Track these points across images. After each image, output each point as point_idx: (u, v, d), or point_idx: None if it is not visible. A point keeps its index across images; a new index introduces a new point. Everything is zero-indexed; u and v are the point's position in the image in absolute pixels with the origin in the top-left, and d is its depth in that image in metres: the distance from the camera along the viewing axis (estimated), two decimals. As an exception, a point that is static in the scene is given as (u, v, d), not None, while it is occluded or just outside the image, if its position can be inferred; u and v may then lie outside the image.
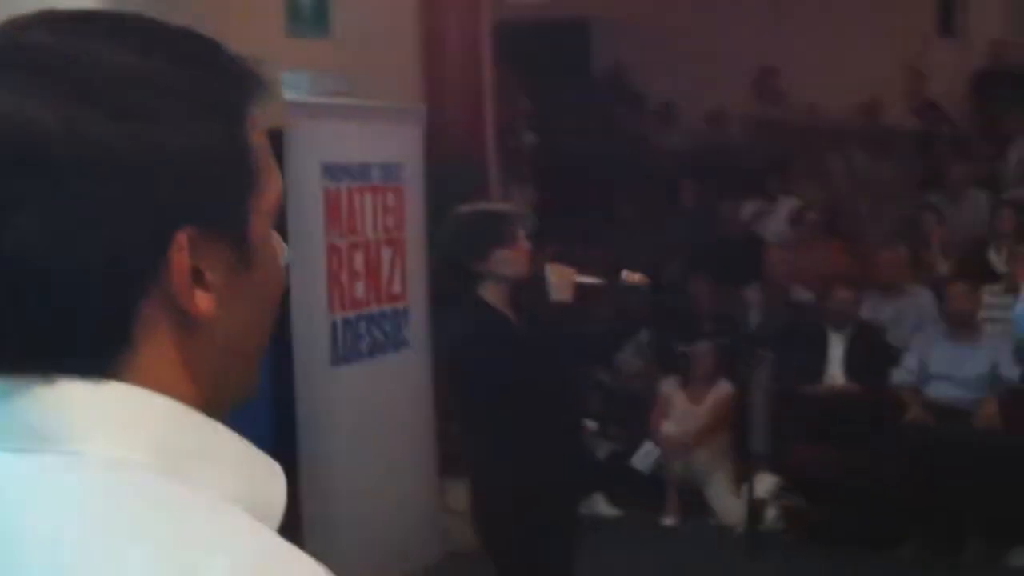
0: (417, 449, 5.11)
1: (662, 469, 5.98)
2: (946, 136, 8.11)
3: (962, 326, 5.59)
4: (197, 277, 0.71)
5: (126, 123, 0.70)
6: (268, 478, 0.74)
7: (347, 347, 4.78)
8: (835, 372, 5.80)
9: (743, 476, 5.67)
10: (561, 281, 3.39)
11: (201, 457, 0.70)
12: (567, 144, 8.59)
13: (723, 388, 6.01)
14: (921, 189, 7.46)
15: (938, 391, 5.53)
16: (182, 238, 0.70)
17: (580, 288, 3.43)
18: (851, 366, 5.75)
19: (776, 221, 7.29)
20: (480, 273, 3.31)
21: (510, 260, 3.31)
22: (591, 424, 5.85)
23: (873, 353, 5.75)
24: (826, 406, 5.63)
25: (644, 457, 5.96)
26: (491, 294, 3.33)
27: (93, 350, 0.70)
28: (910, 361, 5.67)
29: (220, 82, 0.74)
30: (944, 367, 5.54)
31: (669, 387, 6.16)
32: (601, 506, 5.99)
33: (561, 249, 5.87)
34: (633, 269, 3.58)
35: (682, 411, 6.05)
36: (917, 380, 5.62)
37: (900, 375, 5.68)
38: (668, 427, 6.01)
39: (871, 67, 8.62)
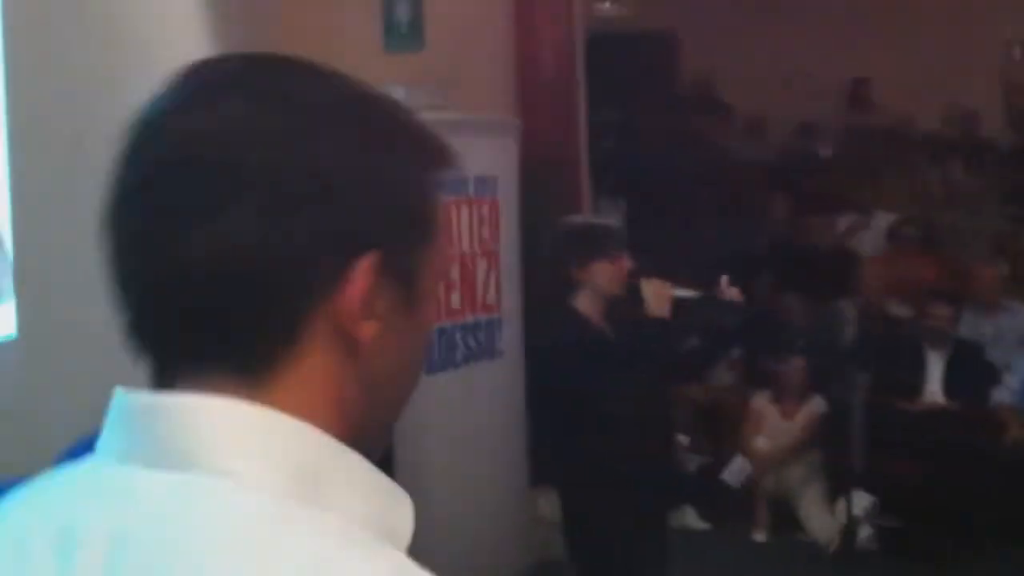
0: (509, 458, 5.14)
1: (753, 484, 5.93)
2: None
3: (1066, 345, 5.46)
4: (366, 305, 0.74)
5: (340, 146, 0.74)
6: (396, 505, 0.75)
7: (442, 356, 4.84)
8: (934, 389, 5.70)
9: (836, 493, 5.60)
10: (657, 296, 3.41)
11: (335, 483, 0.72)
12: (656, 156, 8.57)
13: (816, 404, 5.95)
14: (1019, 204, 7.29)
15: (1040, 411, 5.41)
16: (367, 262, 0.73)
17: (676, 302, 3.44)
18: (950, 384, 5.65)
19: (872, 235, 7.19)
20: (578, 283, 3.37)
21: (608, 273, 3.36)
22: (682, 438, 5.82)
23: (973, 371, 5.64)
24: (924, 424, 5.53)
25: (735, 472, 5.92)
26: (586, 305, 3.38)
27: (259, 353, 0.73)
28: (1011, 380, 5.55)
29: (421, 138, 0.80)
30: (1046, 387, 5.41)
31: (761, 402, 6.12)
32: (691, 519, 5.97)
33: (650, 262, 5.88)
34: (727, 282, 3.58)
35: (774, 426, 6.00)
36: (1018, 399, 5.49)
37: (1001, 394, 5.56)
38: (760, 442, 5.96)
39: (966, 79, 8.46)
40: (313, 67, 0.79)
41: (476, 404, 4.92)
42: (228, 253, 0.71)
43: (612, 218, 4.28)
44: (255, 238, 0.71)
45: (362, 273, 0.73)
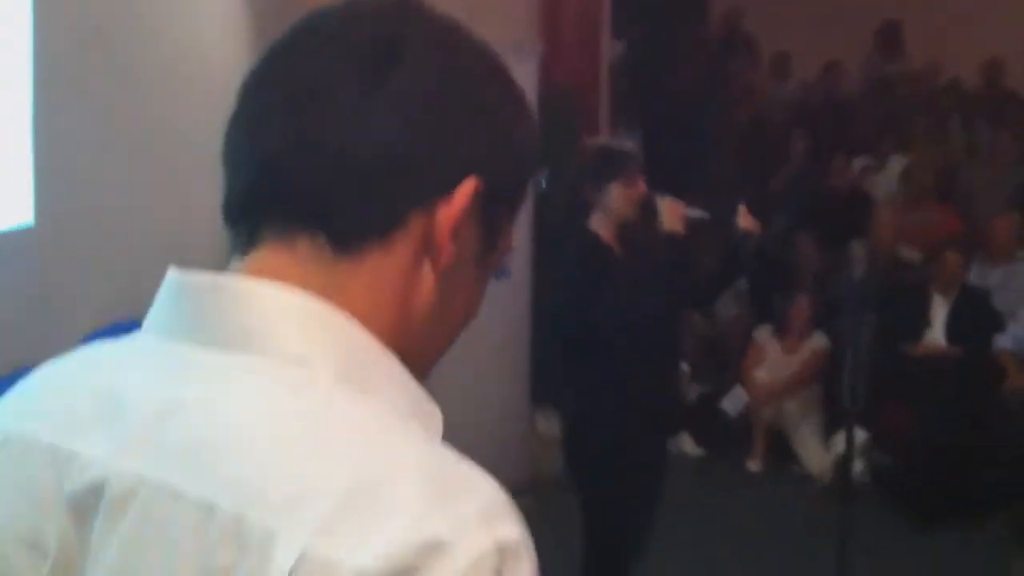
0: (511, 376, 5.23)
1: (750, 415, 6.02)
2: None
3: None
4: (457, 227, 0.78)
5: (486, 79, 0.82)
6: (430, 410, 0.79)
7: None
8: (936, 334, 5.74)
9: (831, 428, 5.68)
10: (672, 212, 3.47)
11: (379, 380, 0.76)
12: (679, 89, 8.53)
13: (819, 341, 6.00)
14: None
15: (1041, 360, 5.45)
16: (473, 183, 0.78)
17: (689, 223, 3.49)
18: (953, 329, 5.69)
19: (887, 179, 7.17)
20: (593, 204, 3.43)
21: (623, 196, 3.41)
22: (684, 366, 5.89)
23: (977, 317, 5.67)
24: (924, 367, 5.58)
25: (733, 401, 6.00)
26: (599, 226, 3.42)
27: (353, 237, 0.77)
28: (1015, 328, 5.59)
29: (535, 126, 0.87)
30: (1049, 336, 5.45)
31: (764, 335, 6.18)
32: (687, 446, 6.07)
33: (666, 191, 5.87)
34: (745, 210, 3.64)
35: (775, 360, 6.06)
36: (1020, 347, 5.53)
37: (1003, 342, 5.60)
38: (760, 374, 6.03)
39: (995, 29, 8.35)
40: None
41: (481, 322, 4.98)
42: (362, 133, 0.76)
43: (629, 142, 4.30)
44: (396, 123, 0.76)
45: (464, 194, 0.78)
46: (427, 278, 0.79)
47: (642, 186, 3.43)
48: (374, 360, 0.76)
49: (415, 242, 0.78)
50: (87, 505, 0.73)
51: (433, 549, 0.64)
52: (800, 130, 7.77)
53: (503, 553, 0.66)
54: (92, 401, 0.76)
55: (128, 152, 3.46)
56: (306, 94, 0.77)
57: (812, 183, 7.23)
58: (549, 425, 5.16)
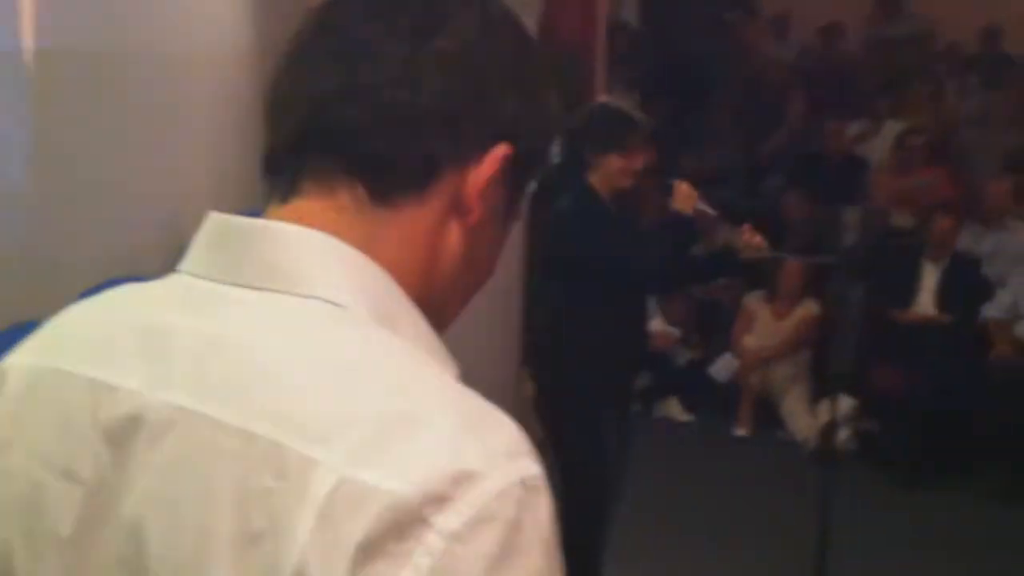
0: (501, 336, 5.23)
1: (739, 381, 6.05)
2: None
3: (1062, 266, 5.49)
4: (487, 187, 0.82)
5: (528, 53, 0.87)
6: (449, 361, 0.82)
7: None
8: (926, 301, 5.75)
9: (819, 395, 5.71)
10: (685, 195, 3.48)
11: (407, 328, 0.79)
12: (676, 47, 8.46)
13: (809, 307, 6.02)
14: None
15: (1029, 330, 5.47)
16: (503, 148, 0.82)
17: (697, 211, 3.49)
18: (943, 296, 5.70)
19: (882, 143, 7.15)
20: (592, 164, 3.45)
21: (620, 167, 3.42)
22: (673, 331, 5.92)
23: (967, 285, 5.68)
24: (913, 334, 5.60)
25: (723, 368, 6.03)
26: (599, 183, 3.45)
27: (390, 186, 0.80)
28: (1004, 297, 5.61)
29: (559, 88, 0.90)
30: (1038, 306, 5.46)
31: (754, 301, 6.19)
32: (675, 410, 6.11)
33: (662, 152, 5.85)
34: (751, 228, 3.57)
35: (765, 325, 6.08)
36: (1010, 316, 5.55)
37: (992, 310, 5.62)
38: (749, 340, 6.05)
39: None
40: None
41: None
42: (408, 87, 0.80)
43: (642, 114, 4.22)
44: (439, 81, 0.80)
45: (496, 158, 0.82)
46: (455, 236, 0.83)
47: (640, 160, 3.43)
48: (403, 310, 0.80)
49: (447, 200, 0.81)
50: (125, 434, 0.75)
51: (465, 479, 0.67)
52: (797, 91, 7.72)
53: (526, 486, 0.69)
54: (130, 337, 0.78)
55: (121, 119, 3.43)
56: (357, 46, 0.81)
57: (807, 146, 7.20)
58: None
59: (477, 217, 0.82)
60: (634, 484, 5.06)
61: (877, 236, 6.37)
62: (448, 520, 0.66)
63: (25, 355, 0.84)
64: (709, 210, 3.54)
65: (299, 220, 0.79)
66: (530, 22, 5.44)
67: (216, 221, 0.81)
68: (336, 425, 0.69)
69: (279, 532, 0.67)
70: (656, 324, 5.90)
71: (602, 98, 3.74)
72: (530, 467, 0.70)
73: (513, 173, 0.84)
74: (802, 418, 5.84)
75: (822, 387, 5.66)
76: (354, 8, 0.83)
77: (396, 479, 0.66)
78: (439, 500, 0.66)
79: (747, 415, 6.00)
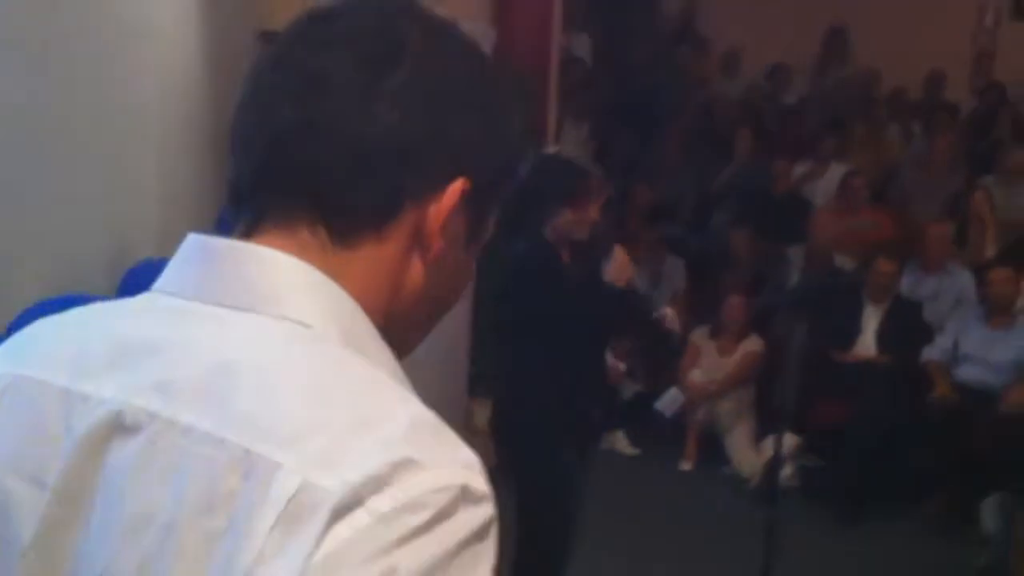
0: (449, 368, 5.21)
1: (685, 415, 6.08)
2: (1007, 119, 8.01)
3: (1000, 311, 5.61)
4: (447, 221, 0.83)
5: (485, 86, 0.86)
6: (408, 383, 0.83)
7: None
8: (868, 342, 5.84)
9: (763, 431, 5.76)
10: (620, 268, 3.50)
11: (373, 348, 0.81)
12: (627, 82, 8.55)
13: (754, 343, 6.08)
14: (976, 169, 7.40)
15: (968, 373, 5.57)
16: (462, 181, 0.82)
17: (631, 287, 3.56)
18: (884, 338, 5.79)
19: (826, 185, 7.27)
20: (543, 219, 3.40)
21: (574, 222, 3.39)
22: (620, 365, 5.93)
23: (908, 327, 5.78)
24: (855, 373, 5.68)
25: (669, 402, 6.05)
26: (552, 235, 3.42)
27: (352, 224, 0.81)
28: (944, 340, 5.71)
29: (528, 124, 0.93)
30: (976, 349, 5.57)
31: (700, 336, 6.24)
32: (621, 443, 6.12)
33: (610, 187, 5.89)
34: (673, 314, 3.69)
35: (711, 361, 6.13)
36: (949, 359, 5.65)
37: (932, 352, 5.72)
38: (695, 375, 6.09)
39: (939, 40, 8.50)
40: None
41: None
42: (365, 124, 0.79)
43: (591, 165, 4.25)
44: (397, 117, 0.80)
45: (455, 189, 0.82)
46: (416, 268, 0.83)
47: (595, 211, 3.40)
48: (369, 337, 0.81)
49: (407, 235, 0.82)
50: (98, 441, 0.76)
51: (407, 466, 0.68)
52: (744, 130, 7.84)
53: (467, 492, 0.69)
54: (103, 348, 0.79)
55: (71, 125, 3.38)
56: (314, 83, 0.80)
57: (753, 184, 7.30)
58: (483, 415, 5.16)
59: (437, 251, 0.83)
60: (580, 517, 5.06)
61: (820, 276, 6.46)
62: (381, 501, 0.67)
63: (0, 362, 0.84)
64: (651, 302, 3.60)
65: (279, 245, 0.80)
66: (484, 49, 5.46)
67: (194, 241, 0.82)
68: (303, 433, 0.70)
69: (239, 530, 0.69)
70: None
71: (549, 149, 3.72)
72: (480, 484, 0.71)
73: (474, 202, 0.84)
74: (746, 453, 5.89)
75: (766, 423, 5.71)
76: (310, 39, 0.83)
77: (347, 476, 0.68)
78: (379, 483, 0.68)
79: (692, 450, 6.03)
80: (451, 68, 0.83)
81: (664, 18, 9.57)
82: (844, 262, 6.58)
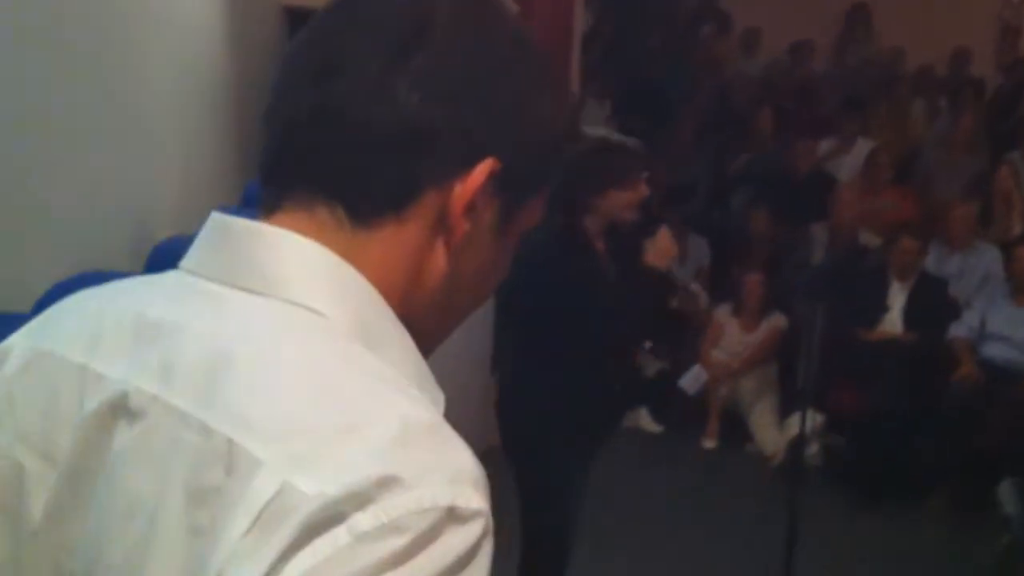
0: (474, 348, 5.22)
1: (708, 393, 6.07)
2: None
3: (1026, 289, 5.56)
4: (472, 203, 0.80)
5: (518, 65, 0.83)
6: (433, 385, 0.81)
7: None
8: (894, 319, 5.81)
9: (787, 409, 5.74)
10: (664, 251, 3.28)
11: (391, 347, 0.78)
12: (648, 60, 8.50)
13: (777, 320, 6.06)
14: (1001, 146, 7.33)
15: (994, 351, 5.53)
16: (489, 163, 0.80)
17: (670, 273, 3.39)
18: (910, 315, 5.76)
19: (851, 162, 7.21)
20: (588, 206, 3.19)
21: (623, 203, 3.17)
22: (645, 342, 5.93)
23: (934, 305, 5.74)
24: (880, 351, 5.65)
25: (692, 380, 6.05)
26: (592, 225, 3.21)
27: (370, 205, 0.79)
28: (971, 317, 5.67)
29: (570, 114, 0.89)
30: (1003, 327, 5.53)
31: (722, 314, 6.22)
32: (645, 421, 6.12)
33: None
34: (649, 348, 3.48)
35: (733, 338, 6.11)
36: (975, 337, 5.62)
37: (958, 329, 5.68)
38: (717, 353, 6.08)
39: (964, 16, 8.41)
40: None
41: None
42: (383, 107, 0.78)
43: (635, 142, 3.98)
44: (417, 99, 0.78)
45: (481, 172, 0.80)
46: (440, 254, 0.81)
47: (644, 189, 3.20)
48: (387, 326, 0.79)
49: (430, 218, 0.80)
50: (106, 421, 0.76)
51: (390, 484, 0.66)
52: (766, 108, 7.78)
53: (454, 514, 0.67)
54: (121, 327, 0.79)
55: (94, 106, 3.39)
56: (333, 66, 0.79)
57: (776, 163, 7.25)
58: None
59: (462, 235, 0.81)
60: (603, 494, 5.06)
61: (843, 254, 6.42)
62: (363, 520, 0.65)
63: (26, 336, 0.86)
64: (679, 279, 3.42)
65: (298, 227, 0.79)
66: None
67: (216, 220, 0.82)
68: (287, 430, 0.69)
69: (216, 529, 0.68)
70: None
71: (590, 132, 3.48)
72: (470, 499, 0.68)
73: (506, 187, 0.82)
74: (769, 432, 5.87)
75: (789, 401, 5.69)
76: (336, 19, 0.82)
77: (327, 484, 0.66)
78: (362, 500, 0.66)
79: (715, 427, 6.02)
80: (480, 48, 0.81)
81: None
82: (869, 239, 6.53)
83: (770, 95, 8.23)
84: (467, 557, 0.67)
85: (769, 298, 6.10)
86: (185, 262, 0.82)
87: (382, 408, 0.71)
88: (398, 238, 0.79)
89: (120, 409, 0.75)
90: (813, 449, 5.59)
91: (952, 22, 8.41)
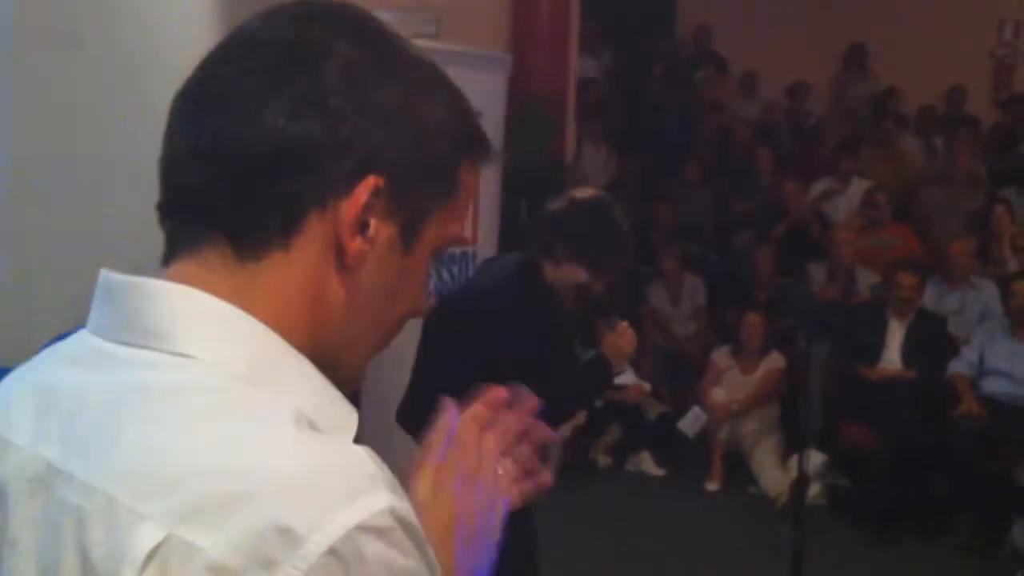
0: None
1: (708, 435, 6.05)
2: (1028, 131, 7.97)
3: (1025, 324, 5.56)
4: (363, 226, 0.80)
5: (393, 76, 0.82)
6: (344, 413, 0.81)
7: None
8: (892, 357, 5.80)
9: (790, 449, 5.72)
10: (621, 350, 3.00)
11: (288, 379, 0.78)
12: (645, 104, 8.58)
13: (776, 360, 6.05)
14: (999, 182, 7.36)
15: (994, 387, 5.52)
16: (372, 180, 0.79)
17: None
18: (909, 353, 5.75)
19: (847, 201, 7.25)
20: (553, 263, 2.90)
21: (579, 280, 2.89)
22: (644, 384, 5.92)
23: (933, 342, 5.73)
24: (880, 388, 5.64)
25: (691, 422, 6.02)
26: (551, 279, 2.93)
27: (255, 237, 0.79)
28: (970, 353, 5.66)
29: (468, 118, 0.86)
30: (1003, 363, 5.52)
31: (721, 355, 6.21)
32: (648, 464, 6.10)
33: (634, 211, 5.89)
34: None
35: (733, 379, 6.10)
36: (975, 373, 5.61)
37: (958, 366, 5.67)
38: (717, 394, 6.07)
39: (959, 54, 8.49)
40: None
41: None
42: (256, 134, 0.77)
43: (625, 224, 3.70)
44: (290, 120, 0.77)
45: (365, 188, 0.79)
46: (337, 277, 0.80)
47: (603, 286, 2.93)
48: (279, 360, 0.78)
49: (319, 242, 0.79)
50: (9, 490, 0.78)
51: (288, 541, 0.66)
52: (763, 150, 7.84)
53: (362, 529, 0.67)
54: (27, 394, 0.81)
55: (94, 160, 3.41)
56: (213, 99, 0.79)
57: (773, 203, 7.29)
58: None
59: (355, 255, 0.80)
60: (608, 538, 5.04)
61: (842, 291, 6.43)
62: None
63: None
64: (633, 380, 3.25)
65: (188, 269, 0.80)
66: (502, 75, 5.53)
67: (102, 279, 0.82)
68: (168, 483, 0.69)
69: None
70: (627, 377, 5.86)
71: (588, 192, 3.15)
72: (371, 505, 0.68)
73: (400, 202, 0.81)
74: (772, 473, 5.85)
75: (792, 442, 5.67)
76: (219, 55, 0.82)
77: (218, 541, 0.66)
78: (267, 564, 0.66)
79: (718, 470, 6.00)
80: (360, 69, 0.80)
81: (679, 41, 9.60)
82: (867, 277, 6.54)
83: (768, 136, 8.29)
84: (395, 549, 0.68)
85: (768, 339, 6.10)
86: (88, 323, 0.83)
87: (271, 450, 0.70)
88: (289, 267, 0.79)
89: (21, 478, 0.77)
90: (817, 489, 5.56)
91: (947, 60, 8.49)
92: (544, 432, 1.01)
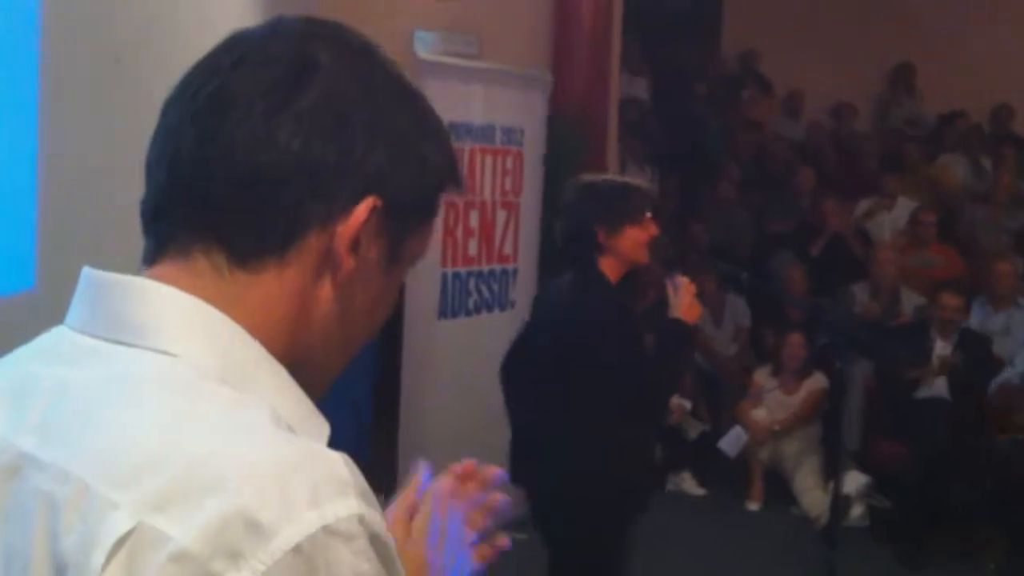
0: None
1: (749, 455, 6.01)
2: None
3: (1071, 345, 5.48)
4: (355, 244, 0.82)
5: (394, 104, 0.85)
6: (316, 422, 0.82)
7: (455, 302, 4.91)
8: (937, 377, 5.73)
9: (831, 470, 5.67)
10: (690, 305, 3.15)
11: (261, 383, 0.80)
12: (688, 123, 8.57)
13: (818, 380, 6.00)
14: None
15: (1039, 407, 5.45)
16: (371, 201, 0.82)
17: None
18: (953, 372, 5.68)
19: (892, 220, 7.19)
20: (604, 247, 3.11)
21: (637, 241, 3.11)
22: (685, 403, 5.90)
23: (976, 362, 5.66)
24: (923, 410, 5.57)
25: (732, 442, 5.99)
26: (609, 268, 3.13)
27: (250, 251, 0.80)
28: (1012, 374, 5.59)
29: (448, 147, 0.90)
30: (1047, 383, 5.45)
31: (762, 375, 6.18)
32: (688, 483, 6.07)
33: (677, 232, 5.89)
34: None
35: (774, 400, 6.06)
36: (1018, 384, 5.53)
37: (1008, 377, 5.60)
38: (758, 414, 6.03)
39: (1005, 73, 8.41)
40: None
41: (484, 351, 4.96)
42: (264, 149, 0.79)
43: (643, 181, 3.97)
44: (300, 141, 0.79)
45: (363, 210, 0.81)
46: (326, 291, 0.82)
47: (653, 227, 3.14)
48: (257, 366, 0.80)
49: (314, 258, 0.81)
50: None
51: (257, 534, 0.67)
52: (806, 169, 7.80)
53: (326, 533, 0.68)
54: (7, 389, 0.82)
55: (134, 175, 3.45)
56: (217, 107, 0.80)
57: (815, 223, 7.25)
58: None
59: (347, 272, 0.82)
60: (648, 557, 5.01)
61: (885, 311, 6.37)
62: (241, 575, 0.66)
63: None
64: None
65: (176, 272, 0.81)
66: (542, 95, 5.57)
67: (85, 274, 0.83)
68: (141, 471, 0.70)
69: (81, 572, 0.69)
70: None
71: (604, 175, 3.45)
72: (339, 510, 0.69)
73: (390, 223, 0.83)
74: (814, 493, 5.79)
75: (833, 462, 5.62)
76: (220, 62, 0.83)
77: (186, 529, 0.67)
78: (232, 555, 0.66)
79: (759, 489, 5.96)
80: (361, 91, 0.82)
81: (722, 61, 9.59)
82: (911, 297, 6.48)
83: (811, 156, 8.25)
84: (360, 555, 0.69)
85: (810, 359, 6.05)
86: (67, 318, 0.84)
87: (242, 445, 0.71)
88: (280, 280, 0.81)
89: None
90: (859, 510, 5.50)
91: (993, 80, 8.41)
92: (501, 500, 1.11)
